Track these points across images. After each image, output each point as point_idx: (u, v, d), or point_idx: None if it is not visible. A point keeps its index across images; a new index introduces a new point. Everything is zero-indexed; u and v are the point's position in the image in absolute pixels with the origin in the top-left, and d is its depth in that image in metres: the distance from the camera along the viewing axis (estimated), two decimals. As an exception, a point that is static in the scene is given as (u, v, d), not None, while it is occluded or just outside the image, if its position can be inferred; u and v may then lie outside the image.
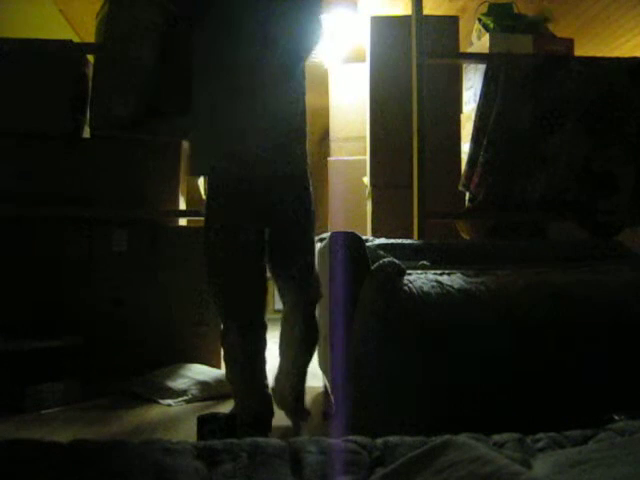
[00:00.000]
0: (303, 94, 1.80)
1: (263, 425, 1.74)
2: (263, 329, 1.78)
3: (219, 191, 1.75)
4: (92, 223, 2.90)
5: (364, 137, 3.57)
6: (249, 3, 1.70)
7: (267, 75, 1.70)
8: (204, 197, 3.58)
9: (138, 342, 2.80)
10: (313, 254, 1.84)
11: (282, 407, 1.99)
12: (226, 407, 2.22)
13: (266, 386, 1.79)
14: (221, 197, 1.74)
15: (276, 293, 1.97)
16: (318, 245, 2.12)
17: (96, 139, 3.00)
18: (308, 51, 1.79)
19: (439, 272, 1.80)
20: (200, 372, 2.67)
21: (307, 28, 1.76)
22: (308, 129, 1.84)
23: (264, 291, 1.79)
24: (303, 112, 1.80)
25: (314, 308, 1.87)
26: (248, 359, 1.75)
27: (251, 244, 1.73)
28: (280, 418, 2.00)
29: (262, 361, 1.79)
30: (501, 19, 3.24)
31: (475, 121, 2.81)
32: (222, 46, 1.70)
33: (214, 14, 1.69)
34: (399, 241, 2.30)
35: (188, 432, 1.96)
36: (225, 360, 1.81)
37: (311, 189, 1.84)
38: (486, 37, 3.18)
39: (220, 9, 1.69)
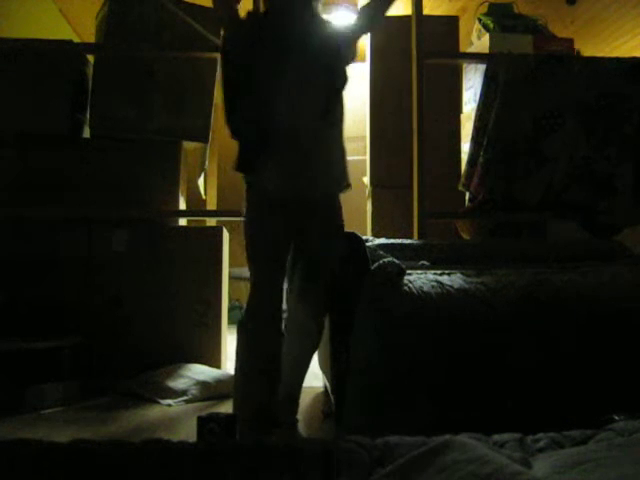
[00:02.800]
0: (342, 131, 1.92)
1: (267, 420, 1.74)
2: (280, 324, 1.81)
3: (260, 202, 1.84)
4: (92, 223, 2.90)
5: (364, 137, 3.58)
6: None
7: (311, 119, 1.82)
8: (204, 197, 3.60)
9: (138, 342, 2.79)
10: (335, 270, 1.86)
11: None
12: (226, 407, 2.22)
13: (278, 380, 1.79)
14: (261, 208, 1.84)
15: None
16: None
17: (96, 139, 3.00)
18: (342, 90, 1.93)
19: (439, 272, 1.80)
20: (200, 372, 2.66)
21: (344, 72, 1.92)
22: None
23: (282, 287, 1.84)
24: (342, 146, 1.92)
25: (323, 320, 1.89)
26: (265, 346, 1.77)
27: (281, 253, 1.83)
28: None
29: (278, 351, 1.80)
30: (501, 19, 3.24)
31: (475, 121, 2.81)
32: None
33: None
34: (399, 241, 2.30)
35: (188, 432, 1.96)
36: (238, 346, 1.83)
37: (340, 208, 1.94)
38: (486, 37, 3.18)
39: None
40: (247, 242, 1.85)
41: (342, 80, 1.91)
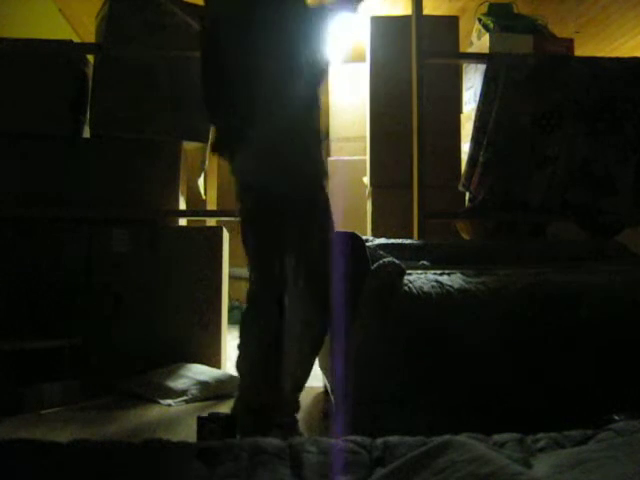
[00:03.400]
0: (314, 98, 1.90)
1: (267, 418, 1.74)
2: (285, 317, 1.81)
3: (246, 195, 1.84)
4: (92, 223, 2.90)
5: (364, 137, 3.58)
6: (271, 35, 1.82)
7: (269, 74, 1.79)
8: (204, 197, 3.60)
9: (138, 342, 2.79)
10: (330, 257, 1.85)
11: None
12: (226, 407, 2.22)
13: (281, 379, 1.79)
14: (249, 199, 1.83)
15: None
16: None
17: (96, 139, 3.00)
18: (313, 52, 1.90)
19: (439, 272, 1.80)
20: (200, 372, 2.66)
21: (310, 30, 1.88)
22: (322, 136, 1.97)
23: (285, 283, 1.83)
24: (313, 115, 1.90)
25: (325, 319, 1.88)
26: (270, 336, 1.77)
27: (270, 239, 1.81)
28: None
29: (281, 348, 1.80)
30: (501, 19, 3.24)
31: (475, 121, 2.81)
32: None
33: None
34: (399, 241, 2.30)
35: (188, 432, 1.95)
36: (242, 338, 1.83)
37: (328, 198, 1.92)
38: (486, 37, 3.18)
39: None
40: (244, 243, 1.85)
41: (322, 71, 1.91)
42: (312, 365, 1.96)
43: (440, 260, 2.13)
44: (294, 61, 1.83)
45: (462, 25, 3.35)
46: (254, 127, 1.80)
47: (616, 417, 1.37)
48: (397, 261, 1.74)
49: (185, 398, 2.49)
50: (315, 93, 1.89)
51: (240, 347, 1.83)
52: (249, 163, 1.83)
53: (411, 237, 2.73)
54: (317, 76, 1.90)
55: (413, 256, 2.16)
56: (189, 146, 3.25)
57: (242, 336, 1.83)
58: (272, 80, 1.80)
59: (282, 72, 1.81)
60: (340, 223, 1.95)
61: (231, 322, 3.21)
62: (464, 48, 3.50)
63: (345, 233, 1.88)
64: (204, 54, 1.88)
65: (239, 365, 1.85)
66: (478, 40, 3.32)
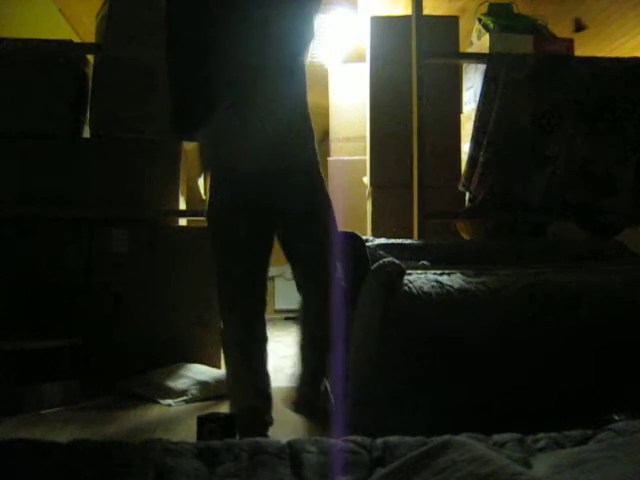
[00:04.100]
0: (304, 92, 1.81)
1: (260, 421, 1.74)
2: (262, 323, 1.79)
3: (219, 186, 1.78)
4: (92, 223, 2.90)
5: (364, 137, 3.57)
6: (246, 4, 1.72)
7: (267, 74, 1.73)
8: (204, 197, 3.59)
9: (138, 342, 2.79)
10: (328, 246, 1.78)
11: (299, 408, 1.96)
12: (226, 407, 2.22)
13: (265, 381, 1.79)
14: (221, 192, 1.78)
15: (277, 293, 1.98)
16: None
17: (96, 139, 3.00)
18: (305, 48, 1.82)
19: (439, 272, 1.80)
20: (200, 372, 2.66)
21: (304, 26, 1.80)
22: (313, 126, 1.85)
23: (264, 286, 1.81)
24: (305, 107, 1.81)
25: (328, 305, 1.85)
26: (246, 352, 1.76)
27: (250, 240, 1.75)
28: (281, 418, 1.99)
29: (261, 355, 1.79)
30: (501, 19, 3.24)
31: (475, 121, 2.81)
32: (219, 42, 1.71)
33: (213, 14, 1.71)
34: (399, 241, 2.30)
35: (188, 432, 1.95)
36: (224, 354, 1.83)
37: (322, 182, 1.84)
38: (486, 37, 3.18)
39: (218, 9, 1.71)
40: (209, 240, 1.82)
41: (308, 36, 1.79)
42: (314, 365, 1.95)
43: (440, 260, 2.13)
44: (268, 37, 1.69)
45: (462, 25, 3.35)
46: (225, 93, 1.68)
47: (616, 417, 1.37)
48: (397, 261, 1.74)
49: (185, 398, 2.49)
50: (299, 64, 1.76)
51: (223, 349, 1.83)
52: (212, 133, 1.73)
53: (411, 237, 2.73)
54: (304, 42, 1.78)
55: (413, 256, 2.16)
56: (189, 146, 3.25)
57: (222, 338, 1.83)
58: (249, 43, 1.68)
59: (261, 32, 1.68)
60: (340, 223, 1.94)
61: (231, 322, 3.21)
62: (464, 48, 3.50)
63: (345, 233, 1.88)
64: (169, 27, 1.75)
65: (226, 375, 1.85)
66: (478, 40, 3.32)
